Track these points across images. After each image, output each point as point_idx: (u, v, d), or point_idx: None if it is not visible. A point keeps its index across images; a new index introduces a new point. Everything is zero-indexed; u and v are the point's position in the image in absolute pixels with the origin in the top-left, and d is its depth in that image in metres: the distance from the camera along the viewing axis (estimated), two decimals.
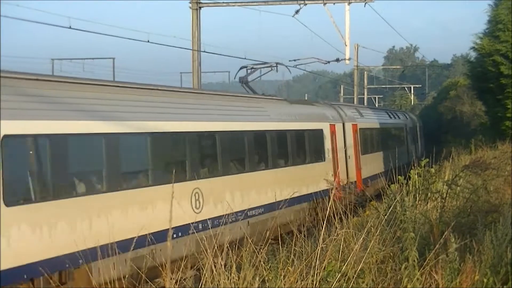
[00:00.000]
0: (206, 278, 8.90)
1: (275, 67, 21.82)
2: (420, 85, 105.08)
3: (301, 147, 24.91)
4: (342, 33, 33.02)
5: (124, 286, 9.48)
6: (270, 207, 20.87)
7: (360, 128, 32.11)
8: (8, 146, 11.71)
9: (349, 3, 32.23)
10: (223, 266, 8.98)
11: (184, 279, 9.36)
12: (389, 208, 12.56)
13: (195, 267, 10.36)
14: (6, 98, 12.09)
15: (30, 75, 13.61)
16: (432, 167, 18.09)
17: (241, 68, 21.13)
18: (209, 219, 17.43)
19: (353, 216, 14.35)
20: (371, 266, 10.21)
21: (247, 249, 9.68)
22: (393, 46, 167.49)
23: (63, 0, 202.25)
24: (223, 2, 32.75)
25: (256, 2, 32.70)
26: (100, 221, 13.86)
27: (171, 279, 8.64)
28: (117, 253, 12.12)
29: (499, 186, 17.27)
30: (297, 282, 9.20)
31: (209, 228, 16.48)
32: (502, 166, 19.18)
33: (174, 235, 15.28)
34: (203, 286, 8.95)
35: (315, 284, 9.12)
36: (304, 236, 11.41)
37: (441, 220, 12.78)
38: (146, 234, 13.67)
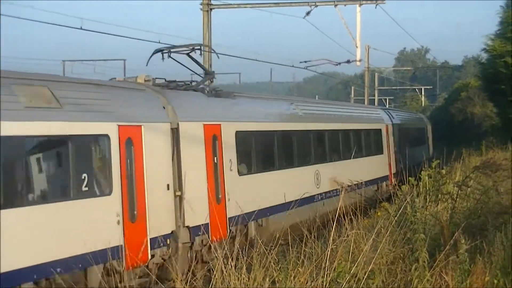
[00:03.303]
0: (216, 279, 8.92)
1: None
2: (431, 87, 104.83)
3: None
4: (353, 34, 32.96)
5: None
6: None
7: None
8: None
9: (360, 5, 32.11)
10: (233, 267, 9.01)
11: (195, 280, 9.39)
12: (400, 209, 12.56)
13: (205, 268, 10.41)
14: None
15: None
16: (442, 168, 18.06)
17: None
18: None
19: (363, 217, 14.34)
20: (381, 267, 10.22)
21: (257, 250, 9.70)
22: (404, 48, 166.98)
23: (74, 0, 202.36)
24: (234, 4, 32.73)
25: (267, 3, 32.67)
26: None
27: (181, 279, 8.68)
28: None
29: (510, 188, 17.21)
30: (307, 283, 9.22)
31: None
32: None
33: None
34: (213, 286, 8.97)
35: (325, 285, 9.14)
36: (314, 237, 11.43)
37: (451, 221, 12.78)
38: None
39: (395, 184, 30.47)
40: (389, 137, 33.08)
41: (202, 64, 19.45)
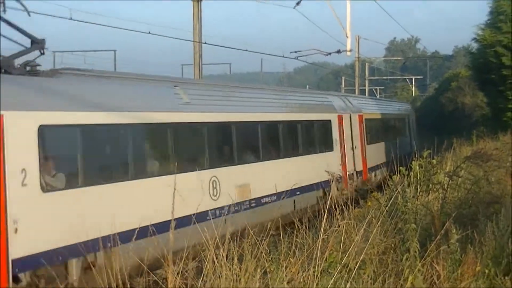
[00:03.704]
0: (208, 269, 8.91)
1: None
2: (422, 77, 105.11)
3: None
4: (344, 24, 32.95)
5: (126, 277, 9.51)
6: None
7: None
8: None
9: None
10: (224, 258, 8.99)
11: (186, 271, 9.37)
12: (391, 199, 12.56)
13: (197, 258, 10.37)
14: None
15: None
16: (433, 158, 18.08)
17: None
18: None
19: (355, 207, 14.35)
20: (372, 257, 10.23)
21: (249, 241, 9.69)
22: (394, 38, 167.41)
23: None
24: None
25: None
26: None
27: (173, 270, 8.66)
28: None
29: (500, 177, 17.26)
30: (298, 273, 9.22)
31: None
32: (504, 157, 19.15)
33: None
34: (205, 277, 8.96)
35: (317, 275, 9.13)
36: (306, 227, 11.42)
37: (442, 211, 12.79)
38: None
39: (356, 187, 26.35)
40: (344, 129, 27.73)
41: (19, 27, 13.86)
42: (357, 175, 28.45)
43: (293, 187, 19.84)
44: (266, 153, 20.68)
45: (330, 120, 26.49)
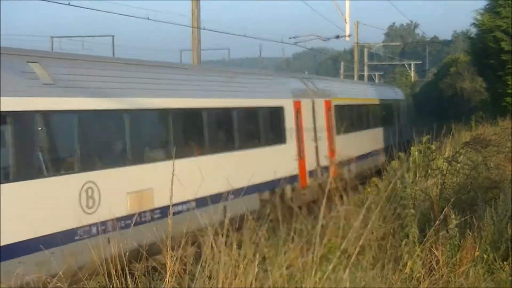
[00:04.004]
0: (207, 255, 8.91)
1: None
2: (421, 62, 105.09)
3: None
4: (342, 10, 32.93)
5: (125, 262, 9.49)
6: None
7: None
8: None
9: None
10: (223, 244, 8.99)
11: (185, 256, 9.37)
12: (389, 184, 12.56)
13: (195, 244, 10.35)
14: None
15: None
16: (432, 144, 18.08)
17: None
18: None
19: (354, 193, 14.35)
20: (371, 243, 10.24)
21: (248, 227, 9.69)
22: (393, 23, 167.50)
23: None
24: None
25: None
26: None
27: (171, 256, 8.66)
28: None
29: (499, 163, 17.26)
30: (297, 259, 9.22)
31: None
32: (503, 142, 19.13)
33: None
34: (203, 263, 8.97)
35: (316, 261, 9.14)
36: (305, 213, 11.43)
37: (441, 196, 12.80)
38: None
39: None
40: (302, 118, 23.57)
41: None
42: (322, 171, 24.76)
43: (224, 190, 16.49)
44: (181, 149, 16.40)
45: (282, 107, 22.45)
